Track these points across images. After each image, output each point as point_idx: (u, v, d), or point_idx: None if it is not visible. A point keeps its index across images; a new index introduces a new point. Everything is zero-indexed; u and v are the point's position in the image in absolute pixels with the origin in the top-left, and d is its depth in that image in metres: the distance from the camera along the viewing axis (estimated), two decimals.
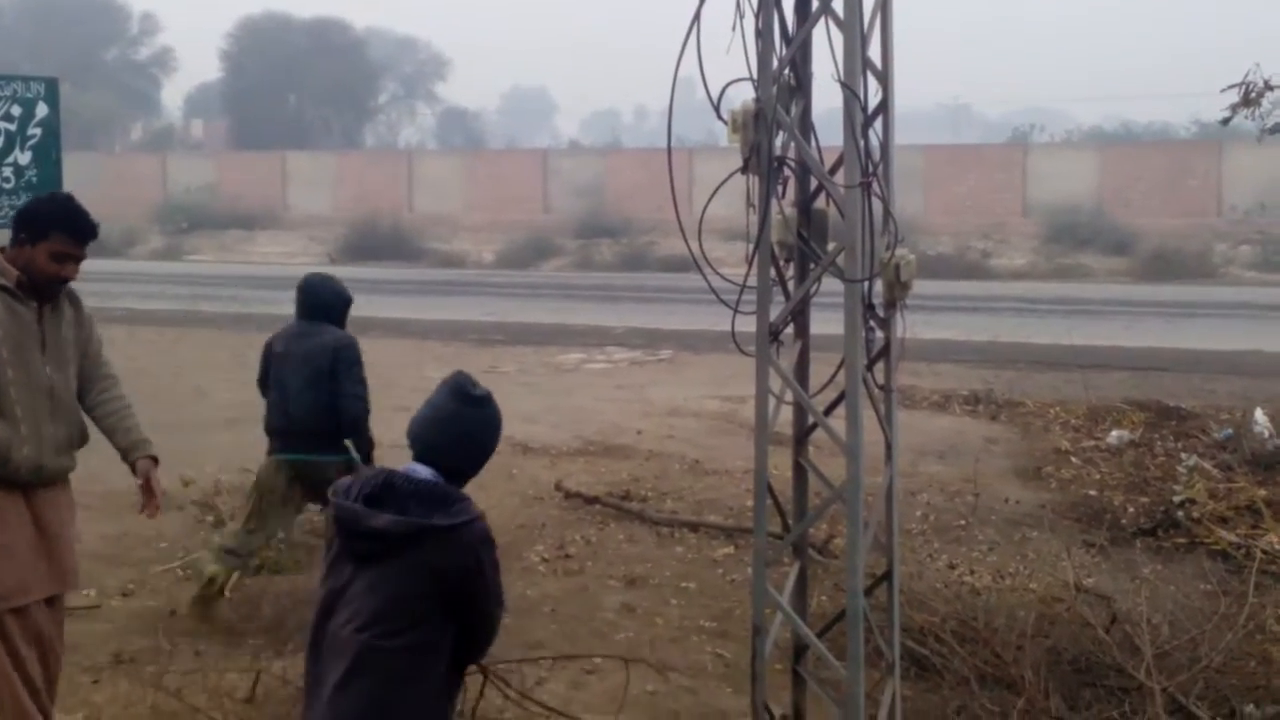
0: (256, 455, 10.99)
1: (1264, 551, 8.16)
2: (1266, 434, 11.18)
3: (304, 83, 71.75)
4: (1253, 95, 6.03)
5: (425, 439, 3.70)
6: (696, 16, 4.64)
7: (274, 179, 54.44)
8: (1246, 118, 6.10)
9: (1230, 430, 11.66)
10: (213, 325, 21.14)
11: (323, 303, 7.50)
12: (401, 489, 3.59)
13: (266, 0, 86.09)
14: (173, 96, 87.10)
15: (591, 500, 9.73)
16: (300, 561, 8.20)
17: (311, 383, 7.19)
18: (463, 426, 3.73)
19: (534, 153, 57.94)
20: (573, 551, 8.69)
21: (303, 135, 67.86)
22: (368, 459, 7.13)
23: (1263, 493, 9.61)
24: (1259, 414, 11.59)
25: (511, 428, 12.02)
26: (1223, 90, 6.16)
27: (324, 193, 52.90)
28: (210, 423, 12.66)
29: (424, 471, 3.64)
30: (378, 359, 16.94)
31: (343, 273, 28.89)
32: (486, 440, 3.82)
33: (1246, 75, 6.05)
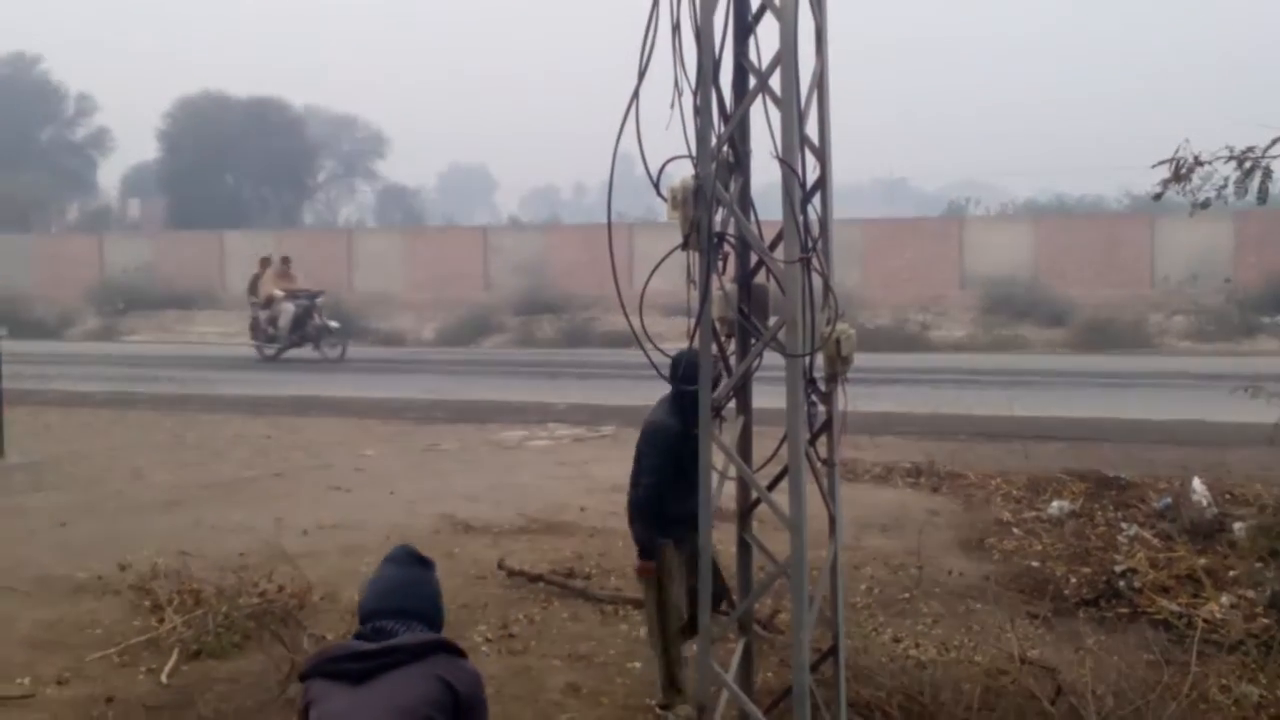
0: (195, 537, 10.91)
1: (1205, 620, 8.19)
2: (1205, 503, 11.26)
3: (242, 162, 71.65)
4: (1183, 171, 6.12)
5: (393, 603, 3.94)
6: (635, 94, 4.67)
7: (212, 258, 54.12)
8: (1178, 193, 6.19)
9: (1169, 500, 11.74)
10: (150, 406, 20.89)
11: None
12: (389, 629, 3.86)
13: (204, 79, 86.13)
14: (109, 176, 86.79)
15: (535, 578, 9.64)
16: (239, 645, 8.07)
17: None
18: (429, 587, 4.07)
19: (474, 230, 57.95)
20: (516, 631, 8.60)
21: (241, 214, 67.56)
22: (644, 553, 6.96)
23: (1203, 561, 9.67)
24: (1197, 483, 11.69)
25: (453, 506, 12.04)
26: (1153, 166, 6.26)
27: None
28: (148, 505, 12.49)
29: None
30: (316, 438, 16.95)
31: (285, 352, 28.47)
32: (440, 599, 4.09)
33: (1177, 151, 6.14)
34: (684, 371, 6.55)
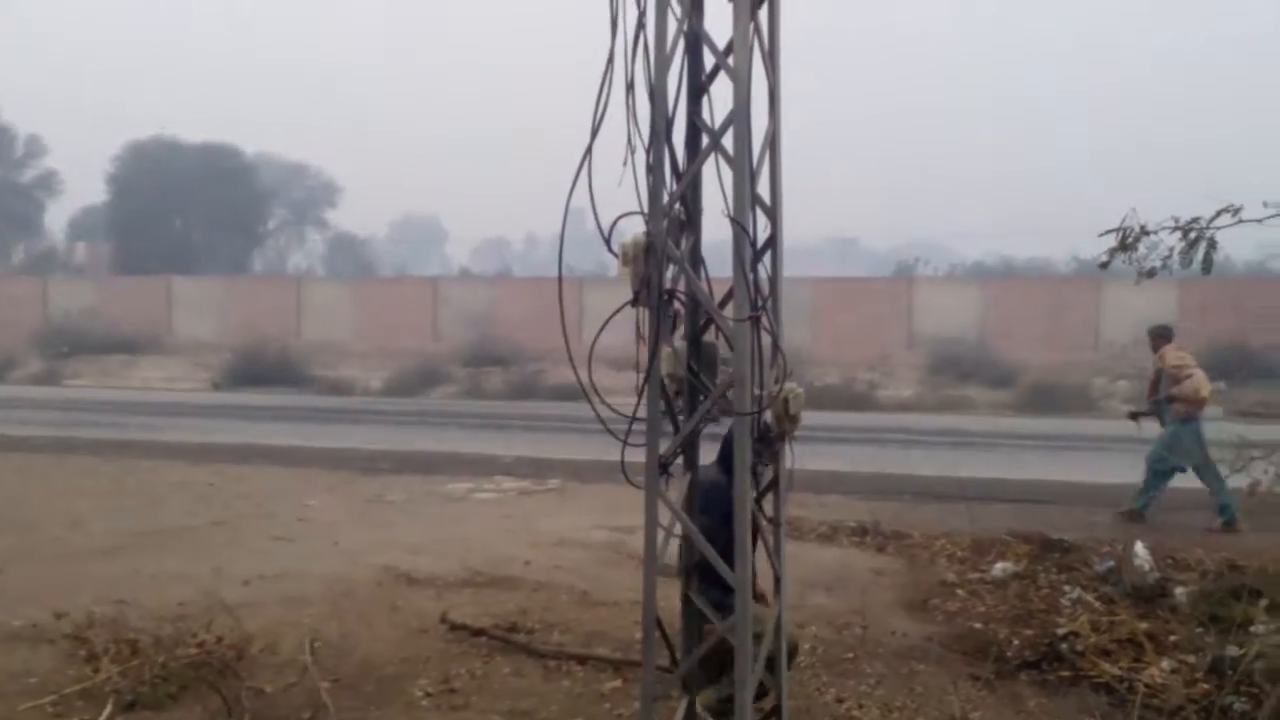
0: (133, 586, 10.77)
1: (1146, 685, 8.22)
2: (1147, 567, 11.34)
3: (191, 207, 71.33)
4: (1129, 240, 6.21)
5: None
6: (588, 150, 4.69)
7: (158, 303, 53.84)
8: (1124, 262, 6.27)
9: (1112, 563, 11.81)
10: (90, 452, 20.66)
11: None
12: None
13: (155, 124, 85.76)
14: (56, 219, 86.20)
15: (478, 632, 9.56)
16: (175, 696, 7.95)
17: None
18: None
19: (424, 280, 57.91)
20: (458, 685, 8.51)
21: (189, 260, 67.18)
22: None
23: (1144, 625, 9.72)
24: (1139, 547, 11.77)
25: (397, 558, 11.94)
26: (1101, 235, 6.34)
27: (210, 318, 52.43)
28: (85, 552, 12.31)
29: None
30: (259, 487, 16.80)
31: (227, 399, 28.45)
32: None
33: (1124, 220, 6.23)
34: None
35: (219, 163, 72.93)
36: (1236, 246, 42.45)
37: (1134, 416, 15.44)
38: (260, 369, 39.67)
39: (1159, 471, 14.74)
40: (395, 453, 21.19)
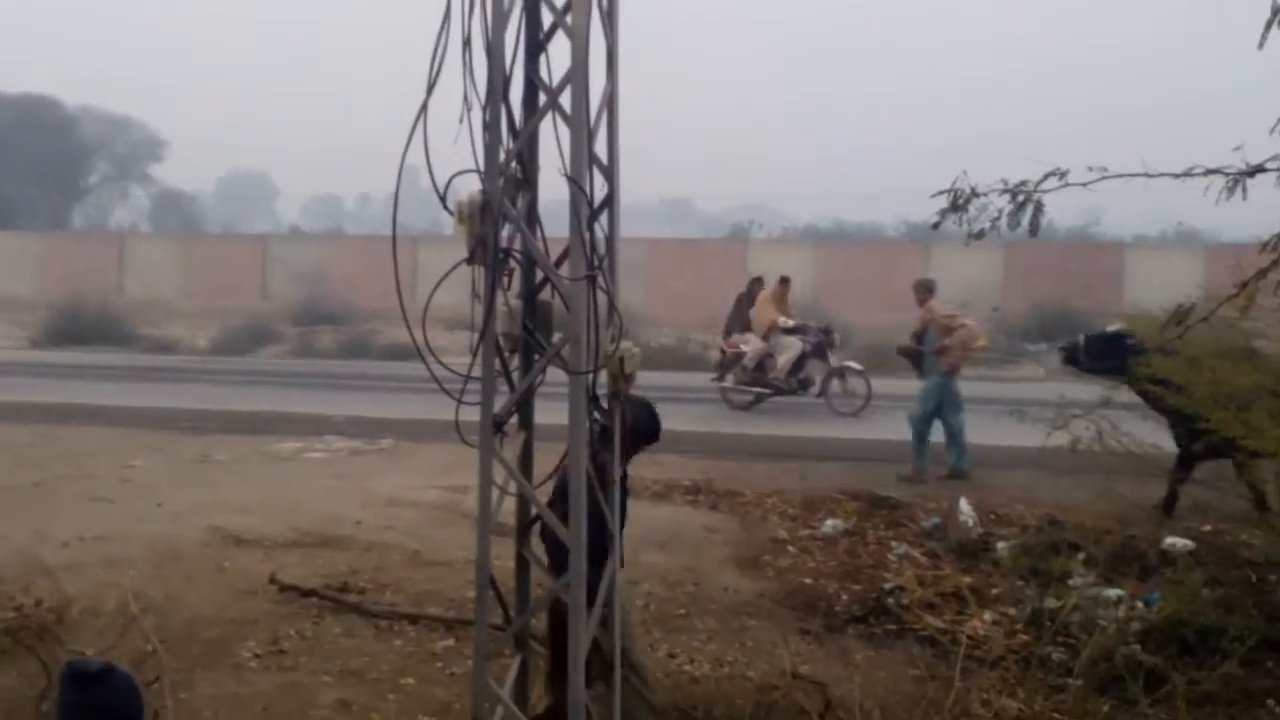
0: None
1: (969, 637, 8.47)
2: (971, 522, 11.68)
3: (9, 160, 68.79)
4: (960, 202, 6.33)
5: None
6: (424, 107, 4.63)
7: None
8: (955, 223, 6.40)
9: (937, 519, 12.12)
10: None
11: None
12: None
13: None
14: None
15: (307, 593, 9.46)
16: None
17: None
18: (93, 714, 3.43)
19: (253, 238, 56.79)
20: (287, 646, 8.42)
21: (7, 215, 64.85)
22: None
23: (968, 579, 10.00)
24: (964, 503, 12.11)
25: (224, 518, 11.73)
26: (933, 196, 6.45)
27: (26, 275, 50.70)
28: None
29: None
30: (80, 448, 16.35)
31: (45, 358, 27.58)
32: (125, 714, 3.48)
33: (955, 182, 6.35)
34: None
35: (37, 115, 70.50)
36: (1060, 212, 43.73)
37: (904, 352, 15.88)
38: (81, 327, 38.45)
39: (948, 423, 15.34)
40: (223, 412, 20.78)
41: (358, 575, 10.16)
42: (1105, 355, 13.91)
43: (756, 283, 23.24)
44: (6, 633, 8.06)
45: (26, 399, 21.77)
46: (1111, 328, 14.23)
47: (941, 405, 15.29)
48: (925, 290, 15.91)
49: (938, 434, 15.27)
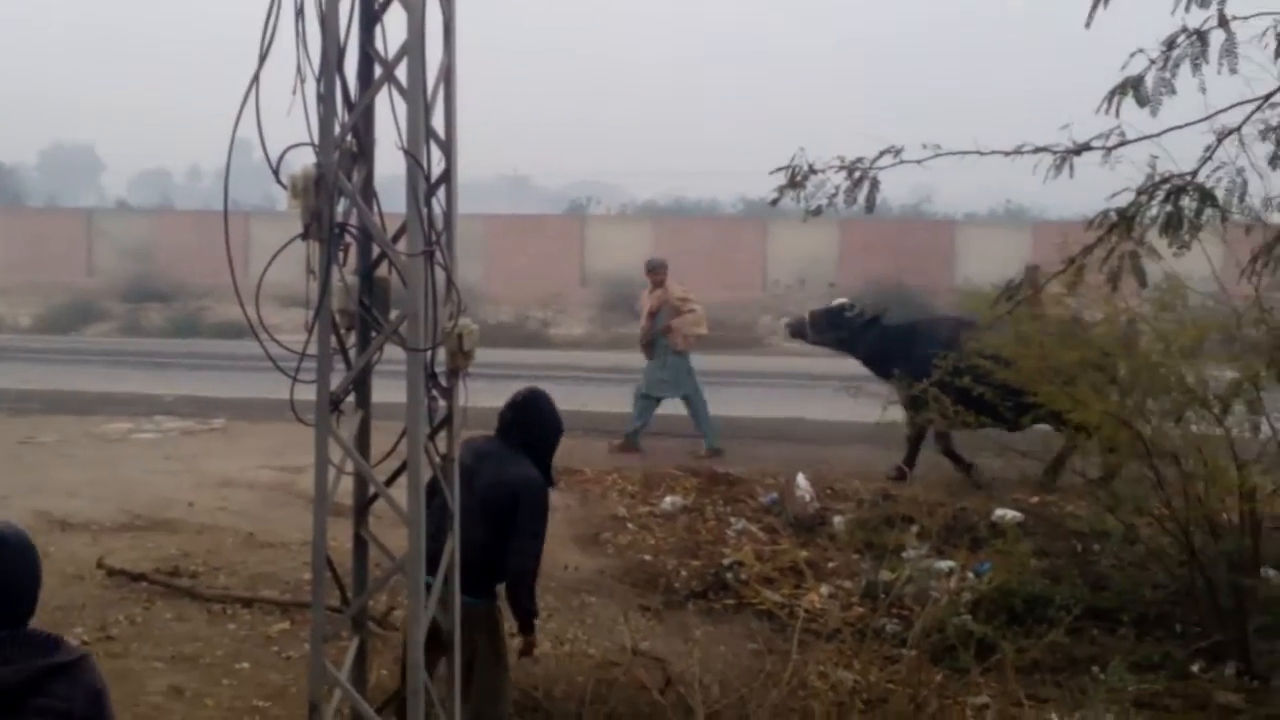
0: None
1: (806, 610, 8.60)
2: (808, 498, 11.84)
3: None
4: (798, 178, 6.41)
5: None
6: (255, 78, 4.52)
7: None
8: (793, 199, 6.47)
9: (775, 495, 12.27)
10: None
11: (534, 433, 6.48)
12: None
13: None
14: None
15: (137, 577, 9.24)
16: None
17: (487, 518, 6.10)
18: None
19: (77, 212, 55.11)
20: (116, 633, 8.22)
21: None
22: (527, 627, 6.32)
23: (805, 554, 10.14)
24: (801, 479, 12.27)
25: (50, 502, 11.39)
26: (771, 172, 6.53)
27: None
28: None
29: None
30: None
31: None
32: (16, 579, 3.62)
33: (793, 159, 6.42)
34: (535, 418, 6.41)
35: None
36: (894, 190, 44.43)
37: (646, 348, 16.00)
38: None
39: (649, 399, 15.76)
40: (47, 392, 20.15)
41: (190, 559, 9.96)
42: (829, 328, 14.54)
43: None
44: None
45: None
46: (836, 302, 14.82)
47: (693, 386, 15.71)
48: (661, 270, 16.01)
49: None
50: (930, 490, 11.56)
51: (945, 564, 9.46)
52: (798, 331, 15.30)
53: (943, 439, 13.38)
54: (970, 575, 9.13)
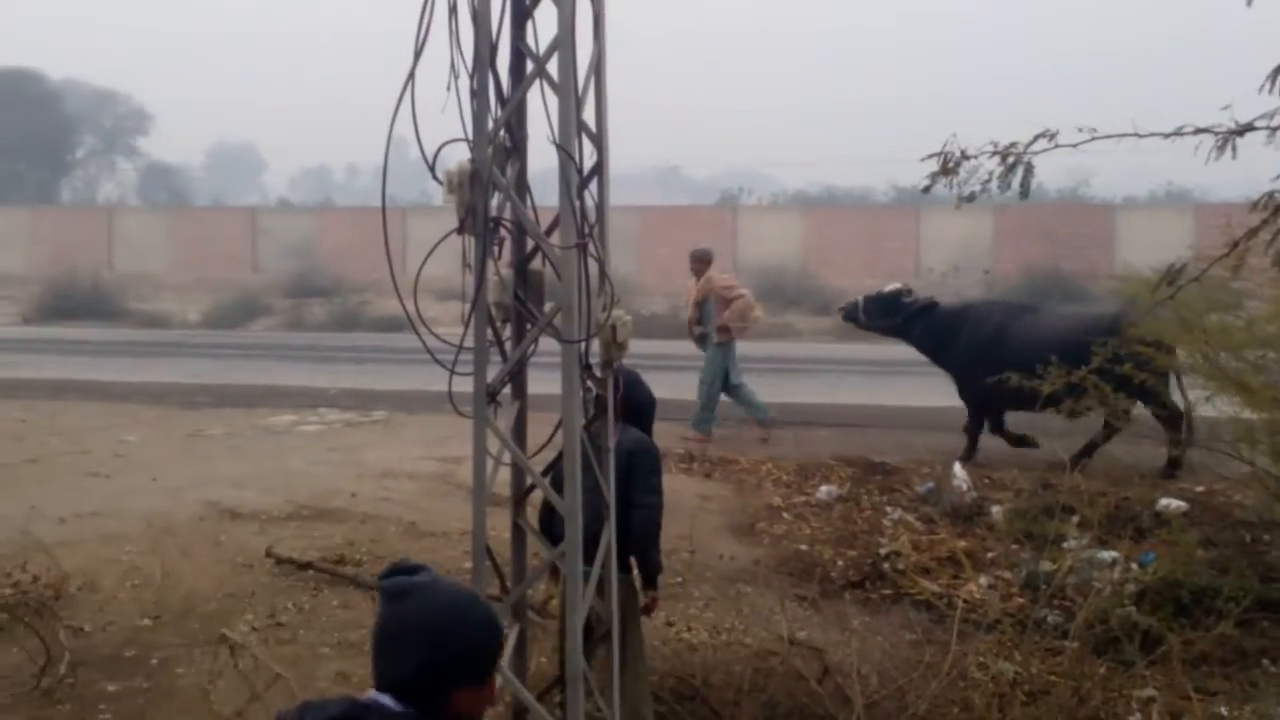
0: None
1: (964, 600, 8.49)
2: (965, 487, 11.68)
3: None
4: (951, 165, 6.31)
5: (375, 659, 3.06)
6: (411, 76, 4.60)
7: None
8: (945, 186, 6.38)
9: (931, 484, 12.13)
10: None
11: (633, 405, 6.54)
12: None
13: None
14: None
15: (304, 566, 9.46)
16: None
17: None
18: (391, 629, 3.06)
19: (242, 210, 56.51)
20: (284, 620, 8.42)
21: None
22: (651, 581, 6.50)
23: (962, 544, 10.03)
24: (958, 468, 12.11)
25: (219, 493, 11.72)
26: (923, 159, 6.43)
27: (16, 250, 50.49)
28: None
29: (387, 701, 2.99)
30: (74, 423, 16.32)
31: (39, 334, 27.48)
32: (421, 639, 3.01)
33: (945, 145, 6.32)
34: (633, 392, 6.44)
35: (22, 88, 69.84)
36: (1049, 174, 43.57)
37: (701, 339, 15.83)
38: (72, 302, 38.40)
39: (738, 385, 15.84)
40: (215, 386, 20.76)
41: (354, 547, 10.16)
42: (882, 314, 14.42)
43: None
44: (4, 609, 8.05)
45: (20, 375, 21.75)
46: (889, 287, 14.63)
47: (727, 374, 15.64)
48: (703, 261, 15.82)
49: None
50: (1092, 479, 11.32)
51: (1108, 554, 9.25)
52: (850, 316, 15.20)
53: (995, 420, 13.96)
54: (1134, 566, 8.93)
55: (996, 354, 13.15)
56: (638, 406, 6.59)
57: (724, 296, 15.50)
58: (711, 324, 15.41)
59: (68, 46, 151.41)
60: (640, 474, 6.40)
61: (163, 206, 65.46)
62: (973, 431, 14.01)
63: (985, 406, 13.91)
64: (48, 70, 75.31)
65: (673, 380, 20.15)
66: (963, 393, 14.15)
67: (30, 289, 41.26)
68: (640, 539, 6.40)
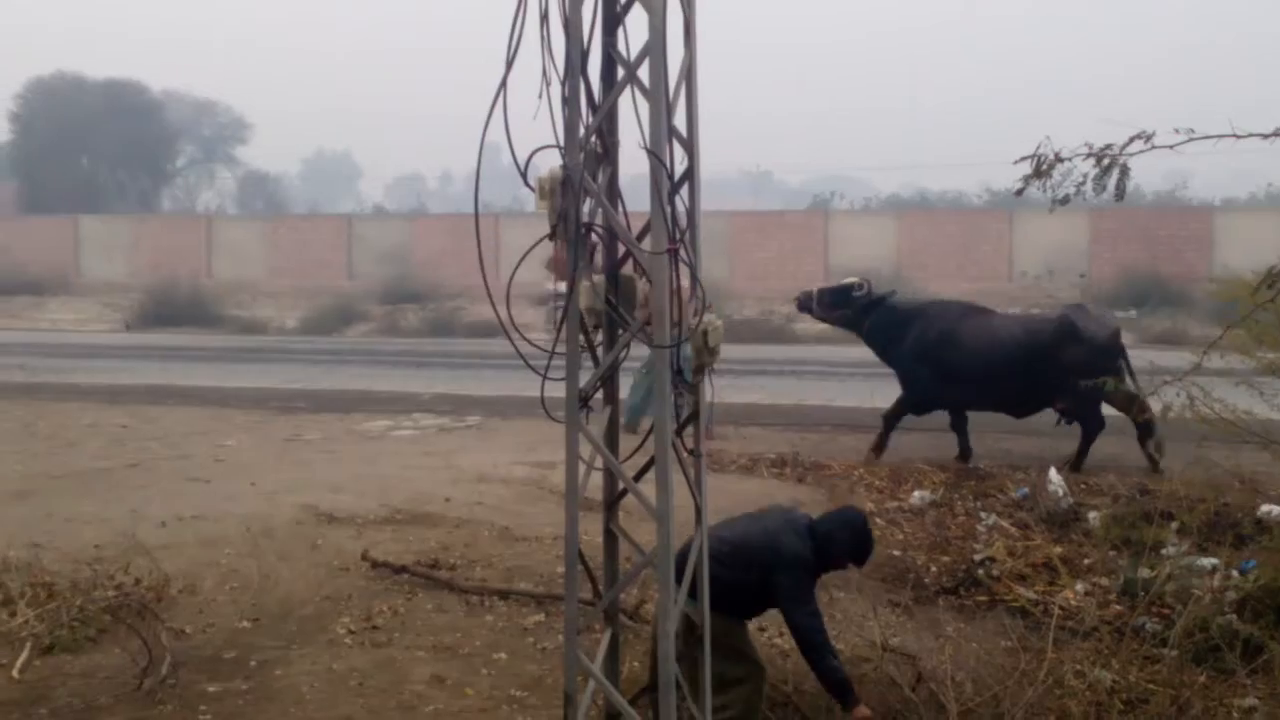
0: (48, 529, 10.63)
1: (1061, 607, 8.38)
2: (1060, 493, 11.54)
3: (98, 145, 69.58)
4: (1044, 167, 6.25)
5: None
6: (503, 84, 4.63)
7: (66, 243, 52.77)
8: (1038, 189, 6.32)
9: (1026, 489, 12.00)
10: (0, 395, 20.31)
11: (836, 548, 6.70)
12: None
13: (58, 60, 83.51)
14: None
15: (399, 569, 9.55)
16: (94, 639, 7.89)
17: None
18: None
19: (338, 218, 57.20)
20: (380, 623, 8.51)
21: (96, 199, 65.63)
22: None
23: (1058, 550, 9.91)
24: (1053, 473, 11.97)
25: (316, 496, 11.87)
26: (1016, 162, 6.38)
27: (119, 258, 51.47)
28: None
29: None
30: (174, 428, 16.61)
31: (140, 340, 27.98)
32: None
33: (1038, 148, 6.27)
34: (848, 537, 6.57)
35: (125, 99, 71.18)
36: (1146, 176, 42.95)
37: None
38: (172, 309, 39.09)
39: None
40: (312, 392, 21.04)
41: (448, 551, 10.24)
42: (834, 305, 14.43)
43: None
44: (107, 611, 8.21)
45: (122, 381, 22.18)
46: (846, 280, 14.62)
47: None
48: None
49: None
50: (1190, 486, 11.13)
51: (1208, 561, 9.10)
52: (805, 306, 15.22)
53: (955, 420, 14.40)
54: (1235, 573, 8.78)
55: (942, 355, 13.74)
56: (840, 554, 6.66)
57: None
58: None
59: (170, 60, 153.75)
60: (801, 589, 6.43)
61: (260, 214, 66.52)
62: (886, 429, 14.32)
63: (925, 406, 14.33)
64: (148, 81, 76.65)
65: (764, 384, 20.14)
66: (905, 390, 14.44)
67: (132, 296, 42.05)
68: (821, 651, 6.38)
